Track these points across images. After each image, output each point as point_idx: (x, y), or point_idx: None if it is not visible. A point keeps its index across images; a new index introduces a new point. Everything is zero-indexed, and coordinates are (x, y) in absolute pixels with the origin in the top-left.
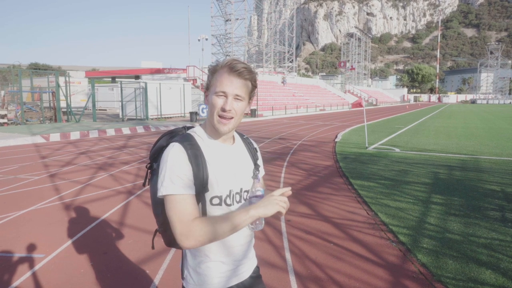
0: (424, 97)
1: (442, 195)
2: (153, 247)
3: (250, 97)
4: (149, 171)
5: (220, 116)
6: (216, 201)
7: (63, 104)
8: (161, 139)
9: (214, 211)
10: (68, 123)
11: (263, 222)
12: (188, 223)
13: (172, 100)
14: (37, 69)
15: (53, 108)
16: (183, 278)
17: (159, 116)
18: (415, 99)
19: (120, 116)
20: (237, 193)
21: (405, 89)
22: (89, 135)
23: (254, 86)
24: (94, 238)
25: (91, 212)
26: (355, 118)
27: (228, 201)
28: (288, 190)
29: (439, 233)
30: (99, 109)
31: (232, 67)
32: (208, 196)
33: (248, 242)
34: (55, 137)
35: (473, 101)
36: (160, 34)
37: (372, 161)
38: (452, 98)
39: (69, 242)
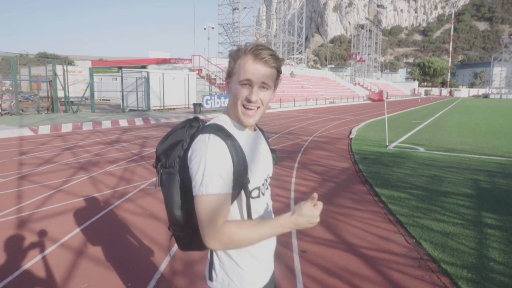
0: (435, 91)
1: (494, 213)
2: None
3: (276, 85)
4: (161, 170)
5: (245, 107)
6: (255, 193)
7: (61, 94)
8: (174, 132)
9: (254, 205)
10: (65, 114)
11: None
12: (219, 226)
13: (175, 91)
14: (45, 58)
15: (51, 98)
16: (211, 280)
17: (162, 107)
18: (426, 93)
19: (121, 107)
20: (265, 180)
21: (416, 82)
22: (83, 127)
23: (279, 73)
24: (42, 272)
25: (50, 231)
26: (367, 111)
27: (263, 190)
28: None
29: None
30: (103, 99)
31: (257, 55)
32: (250, 187)
33: None
34: (44, 129)
35: (486, 96)
36: (166, 22)
37: (396, 163)
38: (464, 92)
39: (9, 278)
